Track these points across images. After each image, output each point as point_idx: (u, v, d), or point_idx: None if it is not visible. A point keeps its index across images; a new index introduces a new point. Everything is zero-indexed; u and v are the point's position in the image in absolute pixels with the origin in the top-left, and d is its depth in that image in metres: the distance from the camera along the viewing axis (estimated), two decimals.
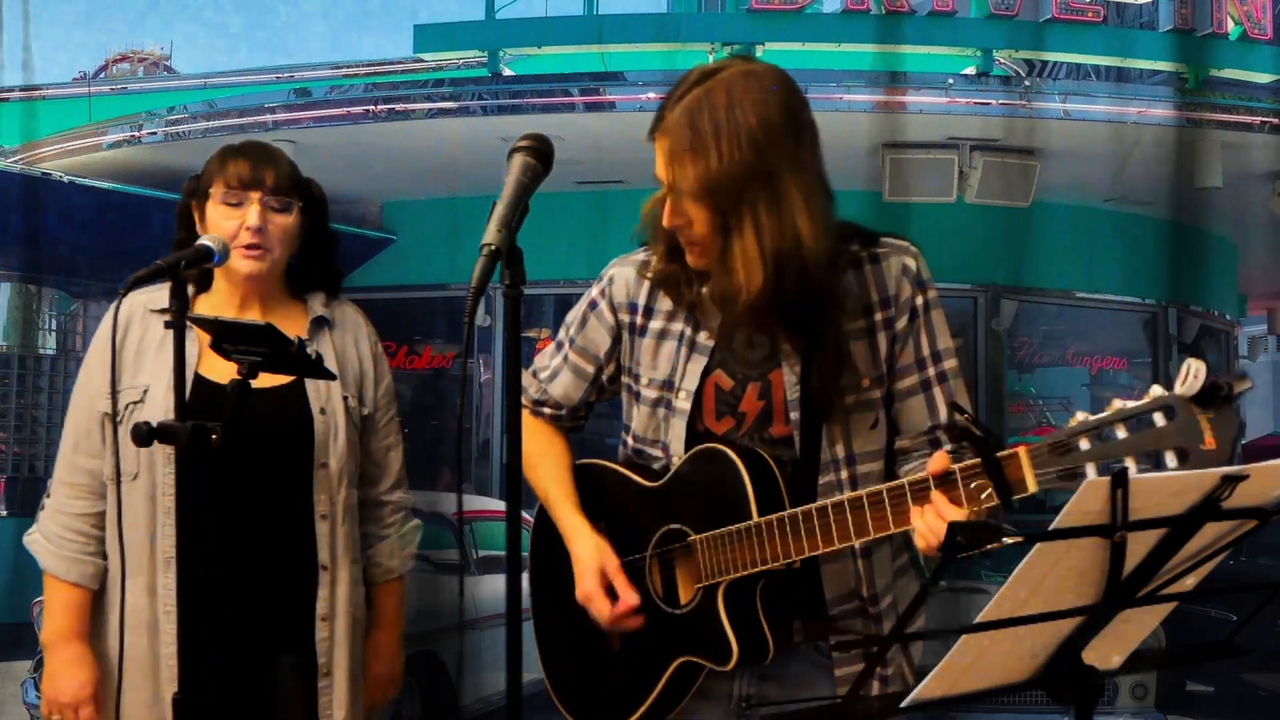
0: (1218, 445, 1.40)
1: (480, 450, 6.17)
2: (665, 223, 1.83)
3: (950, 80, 5.89)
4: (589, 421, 2.19)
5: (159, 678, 2.20)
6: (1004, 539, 1.35)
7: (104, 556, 2.27)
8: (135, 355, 2.26)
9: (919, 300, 1.91)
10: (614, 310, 2.02)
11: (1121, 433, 1.46)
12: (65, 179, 6.01)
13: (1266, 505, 1.43)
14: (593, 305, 2.04)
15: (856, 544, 1.81)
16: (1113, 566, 1.40)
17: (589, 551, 1.96)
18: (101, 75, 7.04)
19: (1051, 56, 6.35)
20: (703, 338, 1.94)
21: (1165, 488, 1.39)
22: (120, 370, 2.24)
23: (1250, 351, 9.14)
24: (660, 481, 1.95)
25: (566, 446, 2.12)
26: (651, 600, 1.93)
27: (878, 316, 1.89)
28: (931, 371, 1.91)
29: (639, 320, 2.00)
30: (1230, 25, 5.99)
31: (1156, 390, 1.43)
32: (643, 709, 1.93)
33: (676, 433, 1.94)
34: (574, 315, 2.08)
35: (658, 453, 1.98)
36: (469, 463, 5.90)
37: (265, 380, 1.98)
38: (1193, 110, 5.91)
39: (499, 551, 4.81)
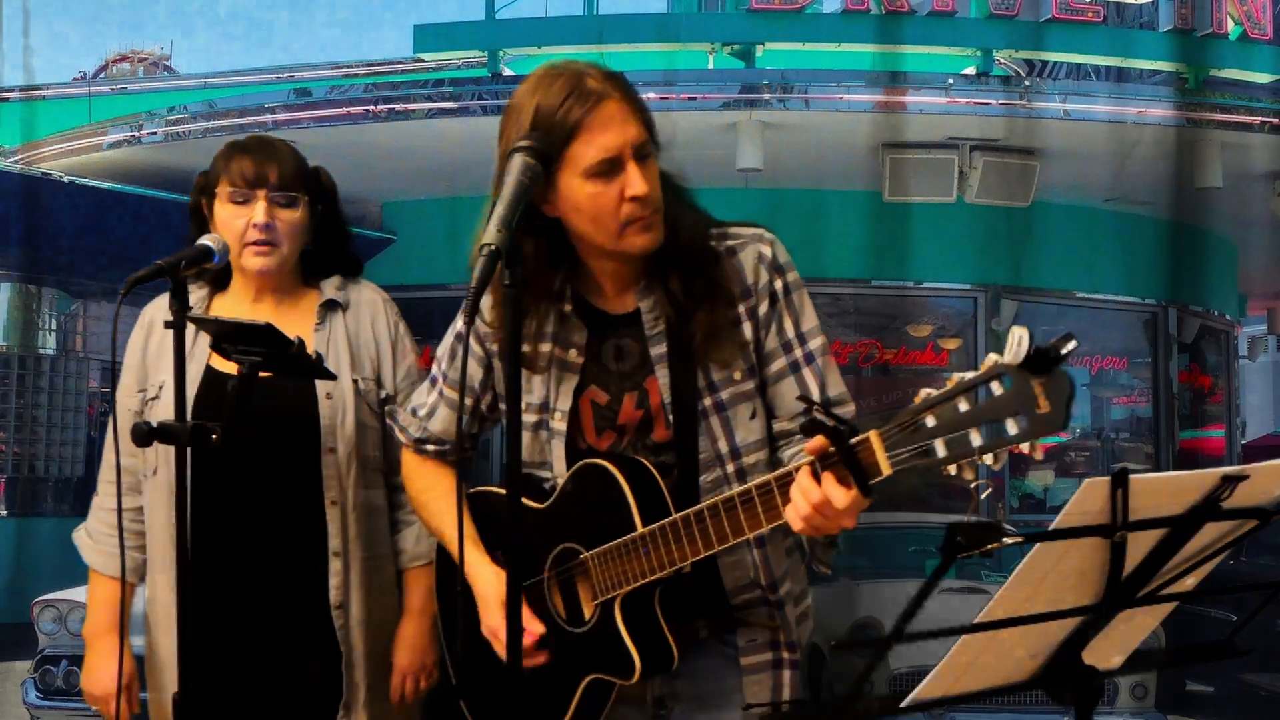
0: (1051, 408, 1.42)
1: (480, 450, 6.17)
2: (639, 190, 1.81)
3: (950, 80, 5.90)
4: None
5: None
6: (1004, 539, 1.36)
7: (142, 551, 2.30)
8: (157, 354, 2.28)
9: (778, 284, 1.92)
10: (481, 341, 2.02)
11: (964, 405, 1.49)
12: (65, 179, 6.02)
13: (1266, 505, 1.43)
14: (459, 338, 2.03)
15: (748, 538, 1.83)
16: (1113, 566, 1.40)
17: (490, 586, 1.96)
18: (101, 75, 7.05)
19: (1051, 56, 6.36)
20: (572, 355, 1.95)
21: (1165, 488, 1.39)
22: (145, 371, 2.27)
23: (1250, 351, 9.16)
24: (548, 503, 1.96)
25: (456, 481, 2.10)
26: (555, 622, 1.95)
27: (741, 308, 1.90)
28: (799, 353, 1.92)
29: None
30: (1230, 25, 5.99)
31: (991, 358, 1.46)
32: None
33: (558, 454, 1.95)
34: (443, 349, 2.08)
35: (545, 474, 1.99)
36: (468, 463, 5.90)
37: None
38: (1193, 110, 5.91)
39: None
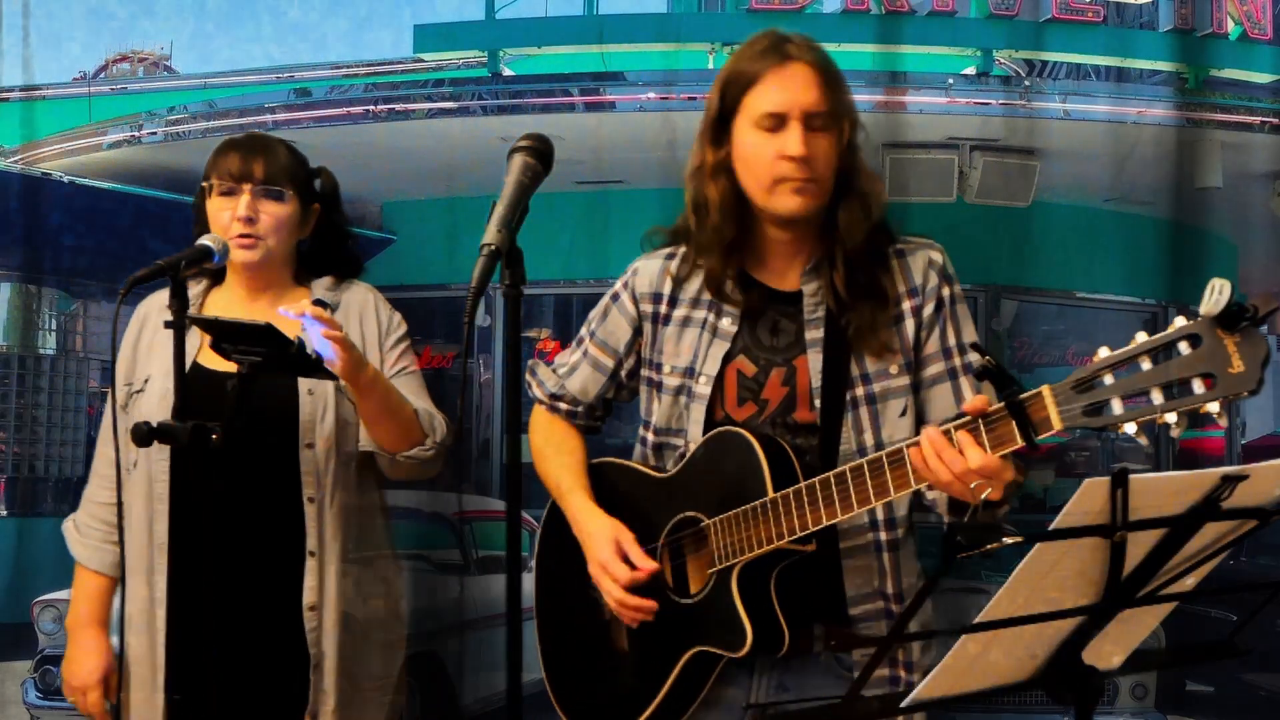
0: (1246, 367, 1.38)
1: (480, 450, 6.16)
2: (796, 150, 1.84)
3: (950, 80, 5.89)
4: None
5: (155, 668, 2.21)
6: (1004, 539, 1.35)
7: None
8: (147, 349, 2.29)
9: (945, 292, 1.93)
10: (636, 301, 2.02)
11: (1147, 364, 1.46)
12: (65, 179, 6.01)
13: (1266, 505, 1.43)
14: (615, 297, 2.05)
15: (879, 538, 1.80)
16: (1113, 566, 1.40)
17: (601, 526, 1.94)
18: (101, 75, 7.03)
19: (1051, 56, 6.34)
20: (726, 324, 1.94)
21: (1165, 487, 1.39)
22: (134, 364, 2.28)
23: None
24: (673, 471, 1.94)
25: (581, 442, 2.11)
26: (662, 592, 1.91)
27: (905, 305, 1.90)
28: (958, 361, 1.92)
29: (663, 309, 2.00)
30: (1230, 25, 5.99)
31: (1180, 320, 1.43)
32: (652, 708, 1.90)
33: (696, 419, 1.94)
34: (596, 310, 2.09)
35: (678, 442, 1.97)
36: (469, 463, 5.89)
37: None
38: (1193, 110, 5.90)
39: (499, 551, 4.81)
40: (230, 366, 2.01)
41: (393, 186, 6.80)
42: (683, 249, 1.97)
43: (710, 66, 6.43)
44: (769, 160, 1.85)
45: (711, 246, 1.91)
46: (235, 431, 1.95)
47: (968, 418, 1.63)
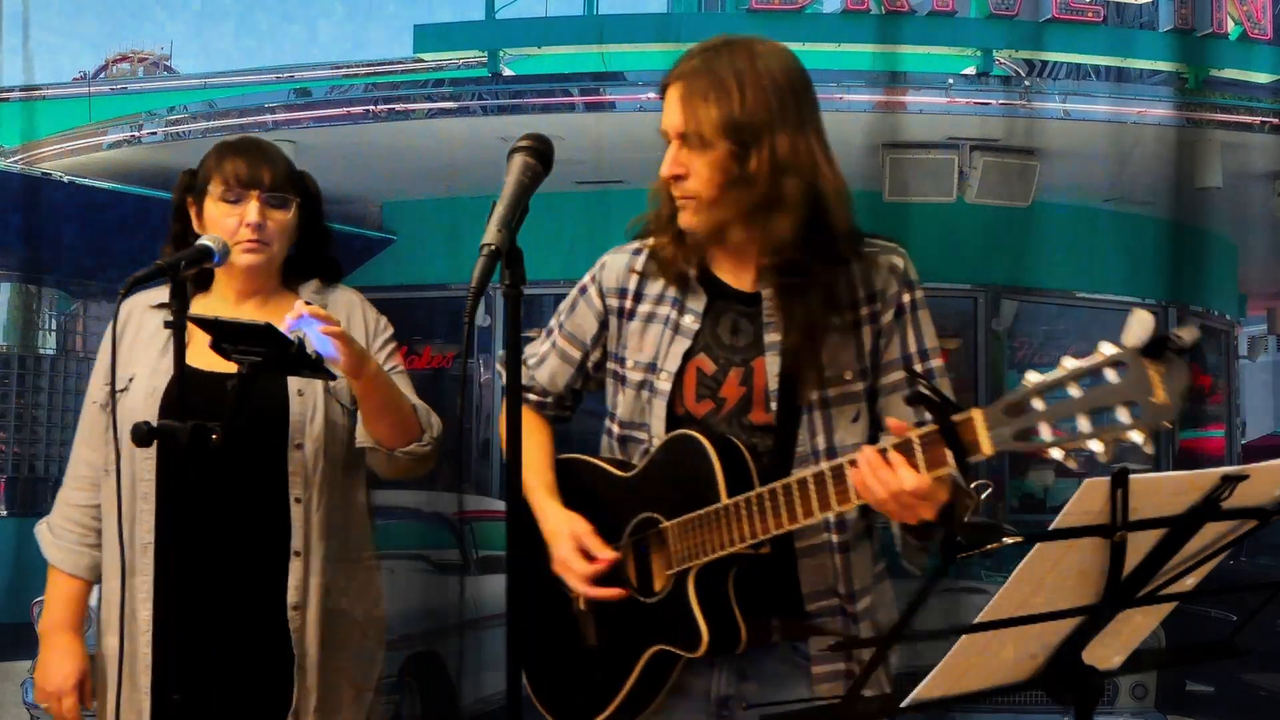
0: (1169, 398, 1.40)
1: (480, 450, 6.17)
2: (664, 172, 1.86)
3: (950, 80, 5.89)
4: (578, 416, 2.20)
5: (136, 670, 2.20)
6: (1004, 539, 1.36)
7: (100, 549, 2.29)
8: (129, 349, 2.27)
9: (906, 298, 1.93)
10: (603, 295, 2.04)
11: (1075, 391, 1.47)
12: (65, 179, 6.02)
13: (1266, 505, 1.43)
14: (583, 290, 2.07)
15: (832, 540, 1.82)
16: (1113, 566, 1.40)
17: (559, 523, 1.96)
18: (101, 75, 7.04)
19: (1051, 56, 6.35)
20: (688, 321, 1.96)
21: (1165, 488, 1.39)
22: (118, 364, 2.26)
23: (1250, 351, 9.14)
24: (633, 471, 1.97)
25: (549, 435, 2.13)
26: (627, 590, 1.94)
27: (864, 311, 1.91)
28: (918, 369, 1.92)
29: (628, 305, 2.02)
30: (1230, 25, 5.99)
31: (1106, 347, 1.44)
32: (617, 702, 1.93)
33: (658, 414, 1.96)
34: (565, 302, 2.11)
35: (642, 435, 1.99)
36: (469, 463, 5.90)
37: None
38: (1193, 110, 5.91)
39: (499, 551, 4.81)
40: (217, 366, 2.00)
41: (393, 186, 6.80)
42: (650, 244, 1.99)
43: None
44: (664, 180, 1.89)
45: (667, 236, 1.94)
46: (233, 431, 1.95)
47: (903, 438, 1.66)
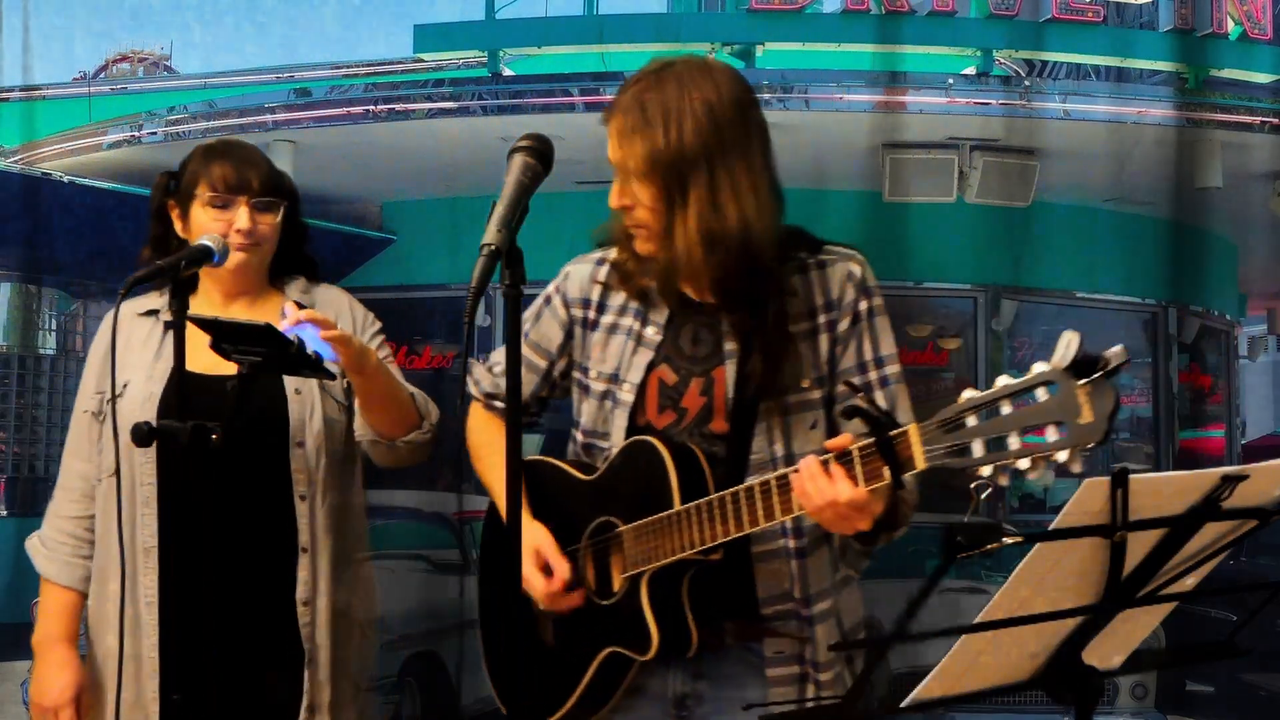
0: (1095, 418, 1.43)
1: None
2: (612, 203, 1.88)
3: (950, 80, 5.89)
4: (559, 417, 2.22)
5: (142, 673, 2.20)
6: (1004, 539, 1.36)
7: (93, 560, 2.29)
8: (121, 356, 2.28)
9: (863, 305, 1.95)
10: (567, 305, 2.06)
11: (1006, 408, 1.50)
12: (65, 179, 6.01)
13: (1266, 505, 1.43)
14: (547, 301, 2.09)
15: (788, 545, 1.84)
16: (1113, 566, 1.40)
17: (523, 538, 1.98)
18: (101, 75, 7.03)
19: (1051, 56, 6.34)
20: (650, 332, 1.98)
21: (1165, 487, 1.40)
22: (106, 373, 2.26)
23: (1250, 351, 9.14)
24: (594, 475, 1.98)
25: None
26: (585, 591, 1.97)
27: (821, 319, 1.93)
28: (874, 375, 1.95)
29: (591, 315, 2.04)
30: (1230, 25, 5.99)
31: (1038, 366, 1.47)
32: (572, 701, 1.96)
33: (619, 425, 1.98)
34: (530, 311, 2.12)
35: (604, 444, 2.01)
36: (469, 463, 5.89)
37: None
38: (1193, 110, 5.90)
39: None
40: (214, 369, 2.01)
41: (393, 186, 6.80)
42: (613, 254, 2.00)
43: None
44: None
45: (627, 252, 1.96)
46: (234, 432, 1.96)
47: (843, 450, 1.68)
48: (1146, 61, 6.30)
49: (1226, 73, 6.07)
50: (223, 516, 2.16)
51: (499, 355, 2.16)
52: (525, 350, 2.10)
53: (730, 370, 1.92)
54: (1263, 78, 6.10)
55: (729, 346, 1.92)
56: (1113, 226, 6.84)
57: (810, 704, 1.92)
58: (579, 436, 2.06)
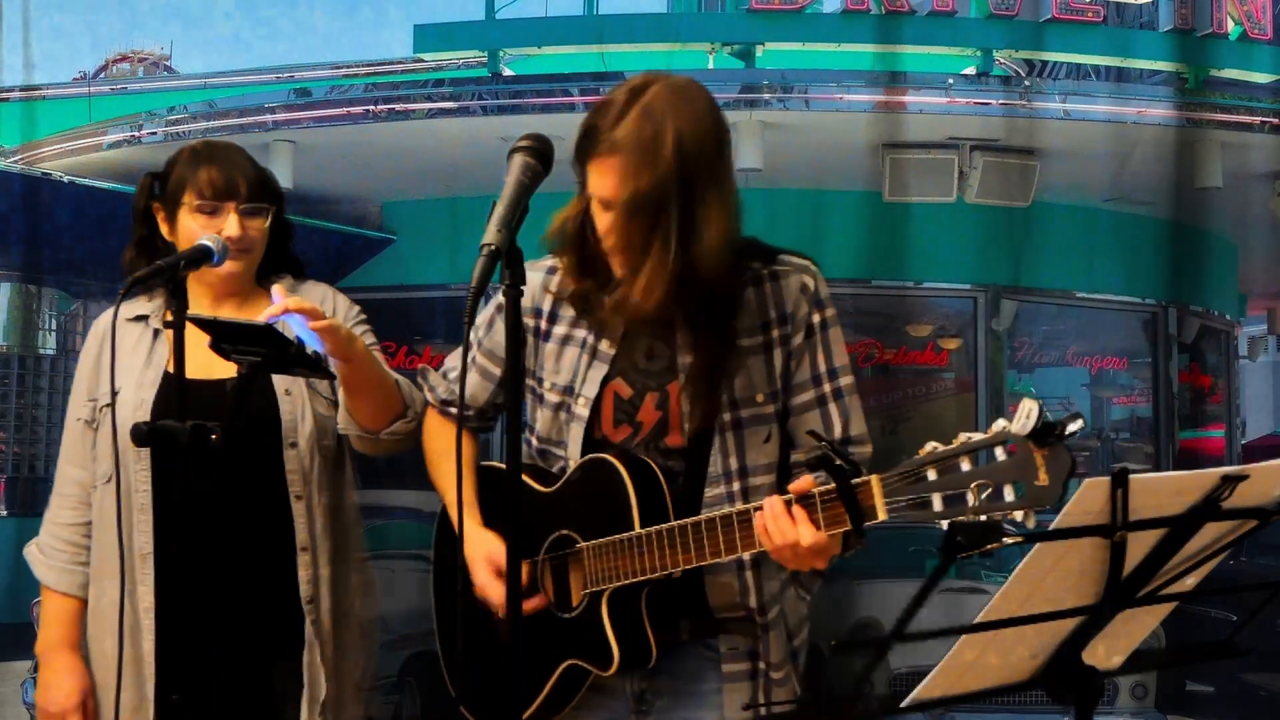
0: (1050, 482, 1.48)
1: (480, 451, 6.16)
2: (600, 230, 1.86)
3: (950, 80, 5.89)
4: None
5: (142, 676, 2.20)
6: (1004, 539, 1.36)
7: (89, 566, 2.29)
8: (117, 355, 2.27)
9: (815, 318, 1.95)
10: (525, 314, 2.04)
11: (966, 464, 1.54)
12: (65, 179, 6.01)
13: (1266, 505, 1.43)
14: (499, 308, 2.06)
15: (740, 557, 1.85)
16: (1113, 566, 1.40)
17: (477, 549, 2.00)
18: (101, 75, 7.04)
19: (1051, 56, 6.34)
20: (604, 346, 1.97)
21: (1165, 487, 1.40)
22: (98, 379, 2.25)
23: (1250, 351, 9.15)
24: (553, 488, 1.98)
25: (474, 449, 2.15)
26: (545, 599, 1.97)
27: (775, 333, 1.93)
28: (827, 388, 1.95)
29: (543, 325, 2.03)
30: (1230, 25, 5.99)
31: (999, 425, 1.51)
32: (533, 708, 1.97)
33: (575, 437, 1.98)
34: (482, 317, 2.11)
35: (560, 453, 2.01)
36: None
37: (229, 368, 1.95)
38: (1193, 110, 5.90)
39: None
40: (210, 373, 2.01)
41: (393, 186, 6.80)
42: (561, 267, 1.99)
43: (710, 66, 6.44)
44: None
45: (589, 275, 1.94)
46: (233, 432, 1.96)
47: (807, 493, 1.70)
48: (1146, 61, 6.30)
49: (1226, 73, 6.07)
50: (219, 518, 2.16)
51: (453, 360, 2.15)
52: (480, 358, 2.09)
53: (684, 385, 1.93)
54: (1263, 78, 6.10)
55: (683, 360, 1.92)
56: (1113, 226, 6.85)
57: (810, 705, 1.92)
58: (534, 441, 2.06)
